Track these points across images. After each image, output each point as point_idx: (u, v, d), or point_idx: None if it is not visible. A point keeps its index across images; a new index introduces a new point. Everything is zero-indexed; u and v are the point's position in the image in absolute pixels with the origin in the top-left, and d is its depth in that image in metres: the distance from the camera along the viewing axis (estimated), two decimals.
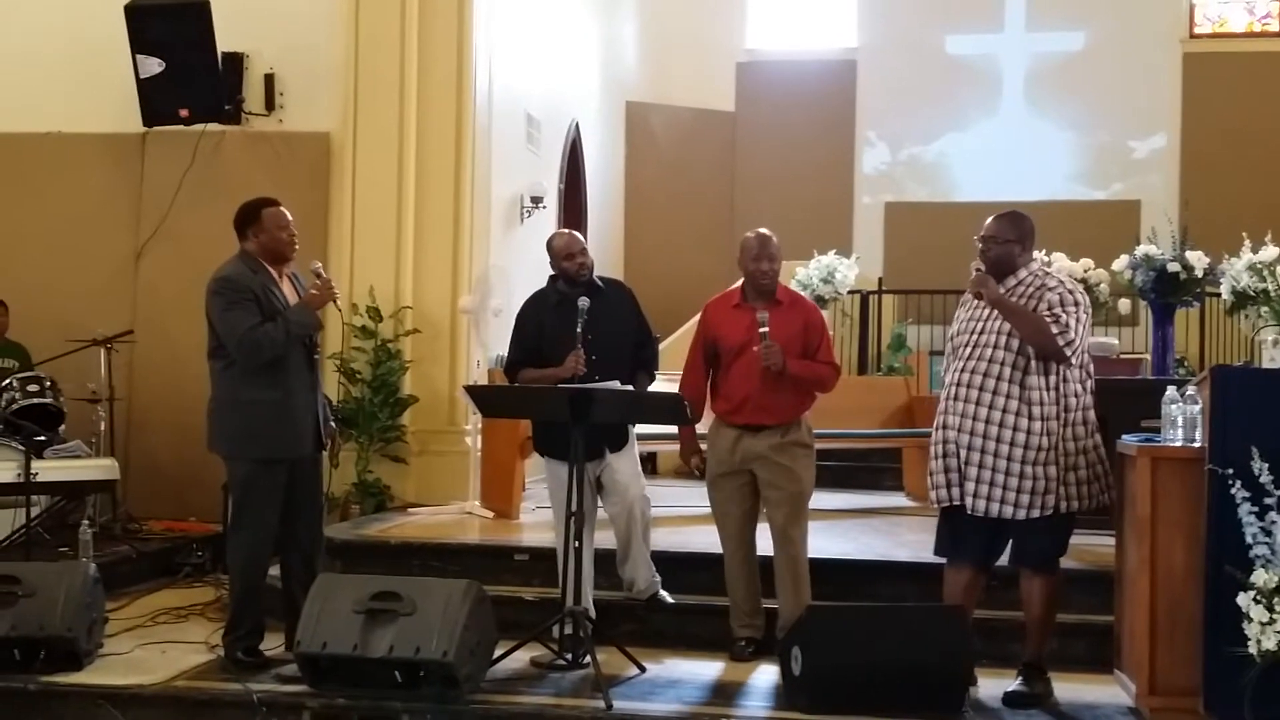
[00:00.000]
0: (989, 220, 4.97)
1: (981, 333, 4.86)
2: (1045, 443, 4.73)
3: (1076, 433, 4.79)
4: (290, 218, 5.36)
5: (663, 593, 5.81)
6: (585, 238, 5.97)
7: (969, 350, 4.87)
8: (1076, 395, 4.82)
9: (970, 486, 4.79)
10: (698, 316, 5.84)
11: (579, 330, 5.41)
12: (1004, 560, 5.01)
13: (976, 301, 4.93)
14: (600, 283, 5.74)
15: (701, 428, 5.69)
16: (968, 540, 4.90)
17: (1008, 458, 4.73)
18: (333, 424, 5.58)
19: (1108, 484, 4.88)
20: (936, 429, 4.92)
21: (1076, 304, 4.79)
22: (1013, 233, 4.91)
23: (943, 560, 5.05)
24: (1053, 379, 4.77)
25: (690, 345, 5.74)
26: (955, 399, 4.85)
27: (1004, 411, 4.75)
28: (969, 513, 4.81)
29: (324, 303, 5.34)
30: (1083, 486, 4.80)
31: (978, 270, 4.88)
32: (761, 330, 5.35)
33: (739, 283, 5.71)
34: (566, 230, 6.05)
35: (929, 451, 4.99)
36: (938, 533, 5.03)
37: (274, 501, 5.25)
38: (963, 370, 4.86)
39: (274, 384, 5.18)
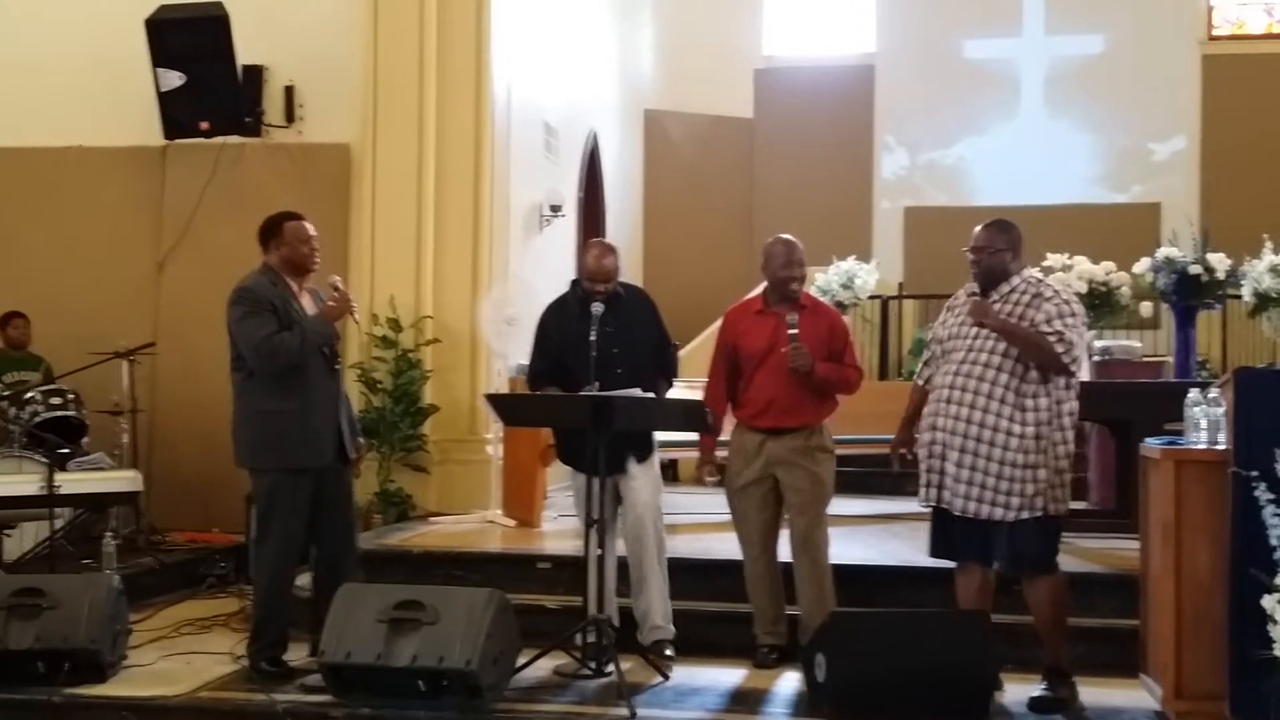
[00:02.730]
0: (977, 230, 4.96)
1: (975, 337, 4.85)
2: (1035, 445, 4.72)
3: (1067, 435, 4.80)
4: (313, 231, 5.39)
5: (669, 649, 5.45)
6: None
7: (962, 355, 4.86)
8: (1064, 400, 4.81)
9: (960, 488, 4.79)
10: (720, 323, 5.83)
11: (592, 339, 5.36)
12: None
13: (968, 303, 4.92)
14: (621, 289, 5.71)
15: (723, 436, 5.69)
16: (962, 540, 4.89)
17: (1000, 460, 4.73)
18: (360, 439, 5.60)
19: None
20: (926, 429, 4.91)
21: (1074, 314, 4.80)
22: (1003, 241, 4.90)
23: (952, 564, 5.04)
24: (1048, 384, 4.77)
25: (712, 355, 5.72)
26: (949, 402, 4.84)
27: (998, 416, 4.74)
28: (957, 514, 4.80)
29: (340, 315, 5.36)
30: (1066, 489, 4.82)
31: (972, 295, 4.88)
32: (791, 332, 5.35)
33: (759, 289, 5.70)
34: (600, 242, 5.81)
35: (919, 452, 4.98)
36: (931, 533, 5.02)
37: (298, 512, 5.27)
38: (956, 374, 4.85)
39: (293, 394, 5.20)
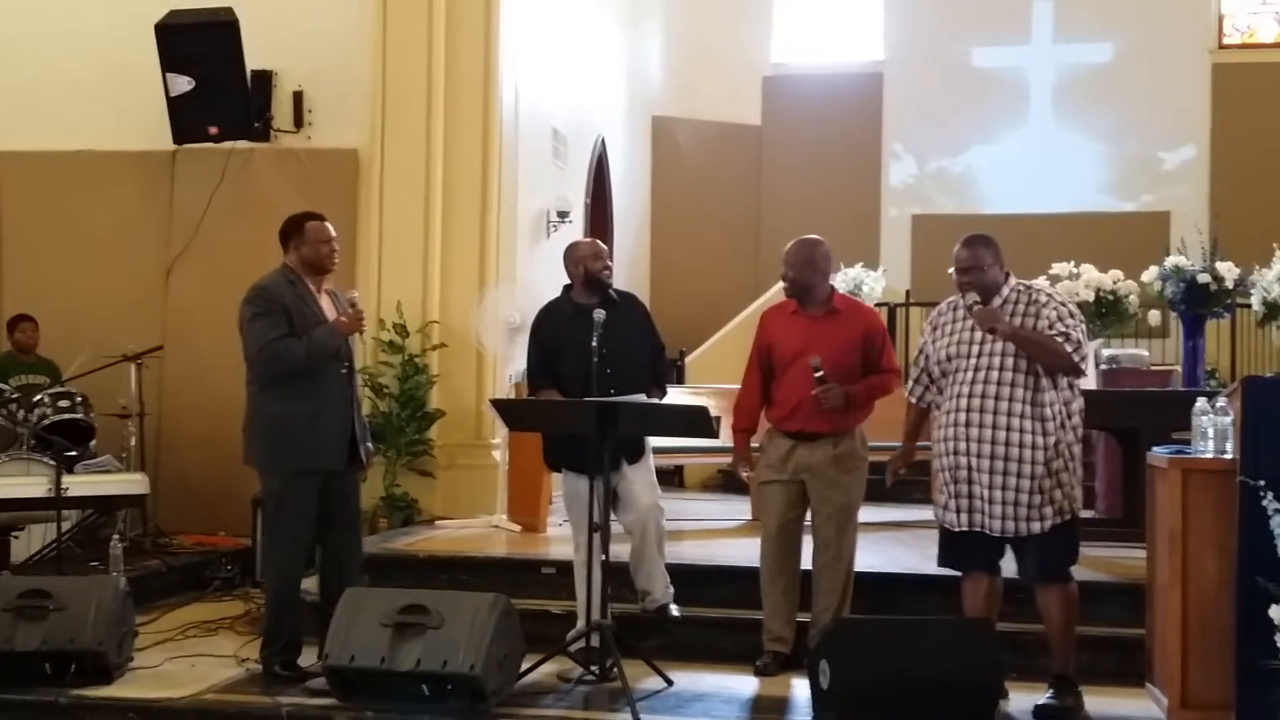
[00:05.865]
0: (960, 250, 4.93)
1: (980, 355, 4.82)
2: (1056, 451, 4.73)
3: (1077, 434, 4.84)
4: (333, 232, 5.41)
5: (673, 606, 5.72)
6: (611, 252, 5.97)
7: (971, 374, 4.82)
8: (1071, 400, 4.84)
9: (996, 509, 4.76)
10: (726, 330, 5.82)
11: (594, 344, 5.34)
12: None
13: (960, 323, 4.91)
14: (615, 295, 5.70)
15: (756, 439, 5.66)
16: (975, 551, 4.88)
17: (1030, 476, 4.72)
18: (369, 445, 5.61)
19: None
20: (946, 454, 4.85)
21: (1073, 314, 4.82)
22: (991, 256, 4.90)
23: (959, 574, 5.03)
24: (1057, 389, 4.78)
25: (748, 355, 5.66)
26: (968, 425, 4.79)
27: (1021, 431, 4.73)
28: (996, 535, 4.78)
29: (351, 332, 5.39)
30: (1079, 489, 4.85)
31: (976, 304, 4.84)
32: (817, 375, 5.27)
33: None
34: (589, 239, 6.04)
35: (938, 477, 4.96)
36: (940, 544, 5.00)
37: (306, 515, 5.27)
38: (970, 395, 4.80)
39: (305, 397, 5.21)
